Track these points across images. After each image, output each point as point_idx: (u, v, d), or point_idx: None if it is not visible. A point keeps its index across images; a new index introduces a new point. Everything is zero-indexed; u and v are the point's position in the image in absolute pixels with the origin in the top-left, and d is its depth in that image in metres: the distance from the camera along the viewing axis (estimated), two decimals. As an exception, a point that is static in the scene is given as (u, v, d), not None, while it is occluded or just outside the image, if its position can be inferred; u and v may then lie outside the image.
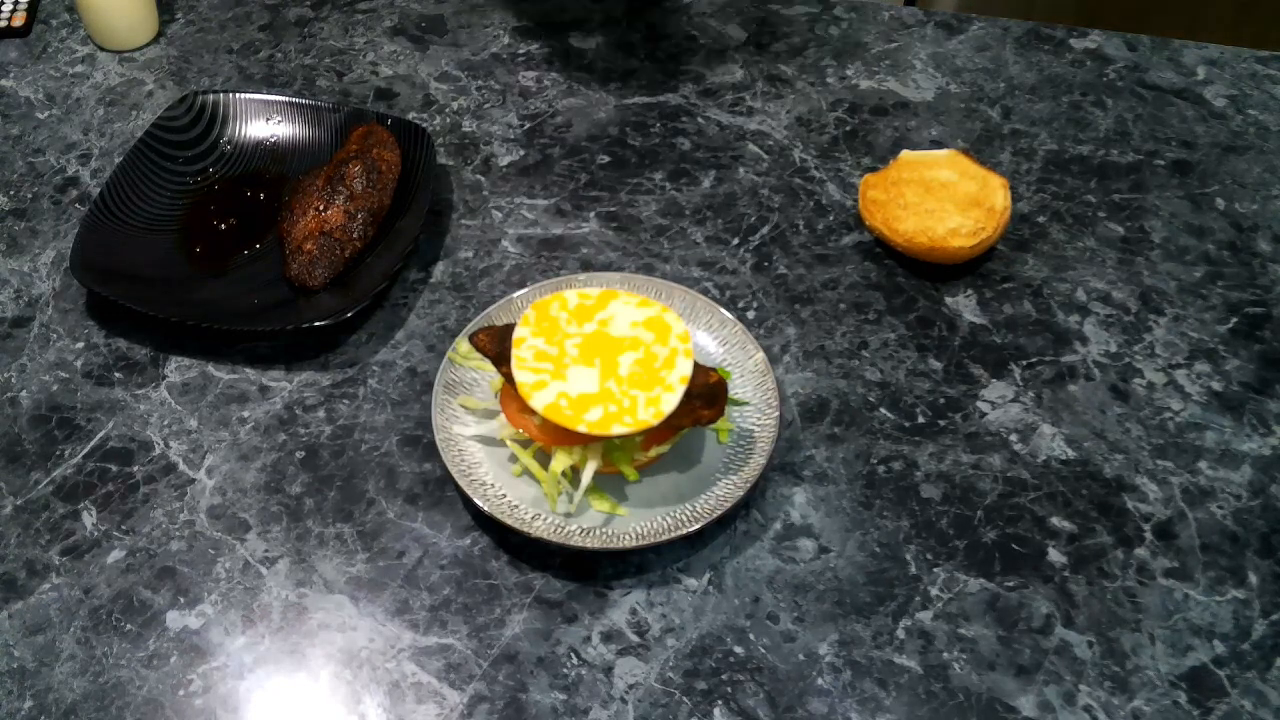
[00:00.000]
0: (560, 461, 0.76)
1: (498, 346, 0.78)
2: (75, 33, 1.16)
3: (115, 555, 0.77)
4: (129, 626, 0.73)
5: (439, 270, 0.93)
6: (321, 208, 0.91)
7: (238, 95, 1.02)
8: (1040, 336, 0.88)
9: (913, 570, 0.75)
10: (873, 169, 0.98)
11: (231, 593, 0.75)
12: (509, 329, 0.79)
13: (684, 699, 0.70)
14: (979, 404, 0.84)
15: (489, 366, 0.81)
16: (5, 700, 0.70)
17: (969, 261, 0.92)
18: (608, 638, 0.73)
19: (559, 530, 0.75)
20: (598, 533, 0.75)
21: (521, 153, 1.02)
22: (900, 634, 0.73)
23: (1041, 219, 0.97)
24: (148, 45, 1.14)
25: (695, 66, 1.10)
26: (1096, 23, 1.14)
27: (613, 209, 0.97)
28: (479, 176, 1.00)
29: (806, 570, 0.75)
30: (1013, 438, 0.82)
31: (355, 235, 0.91)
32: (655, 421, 0.73)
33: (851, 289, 0.92)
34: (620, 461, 0.77)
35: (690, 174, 1.00)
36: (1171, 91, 1.07)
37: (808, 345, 0.88)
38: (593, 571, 0.75)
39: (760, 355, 0.82)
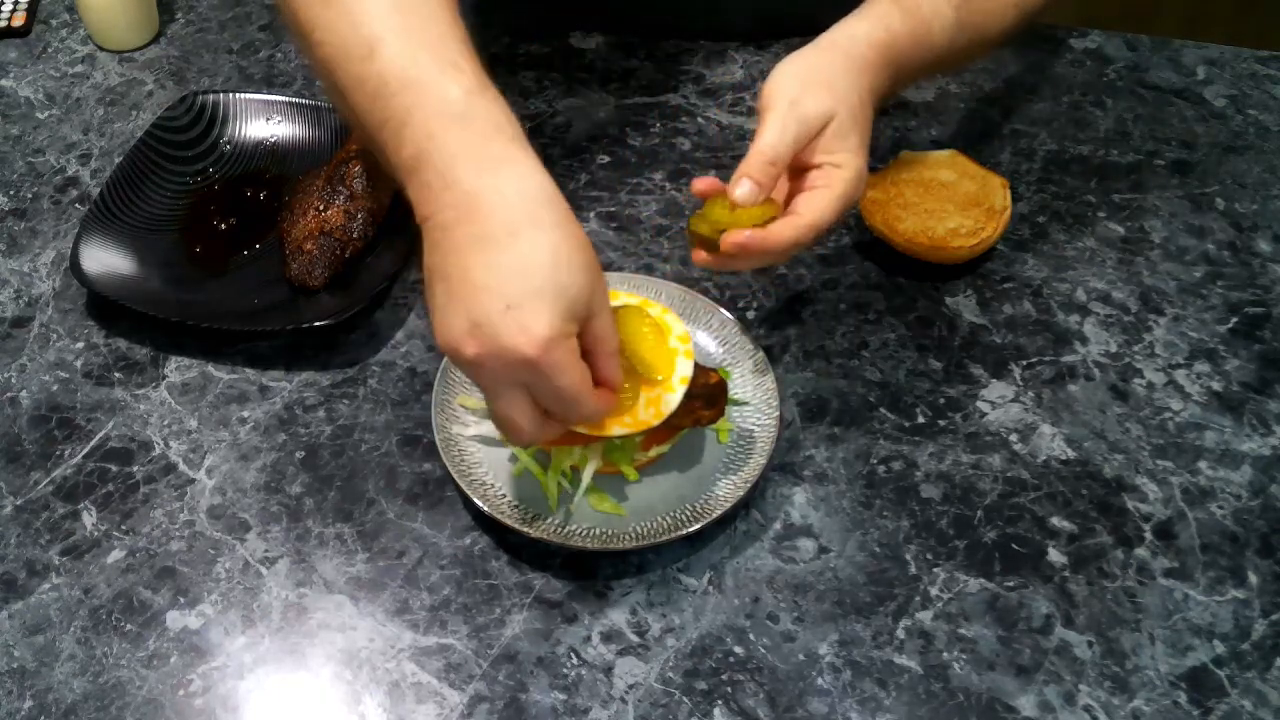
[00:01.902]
0: (560, 461, 0.76)
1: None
2: (75, 33, 1.16)
3: (115, 555, 0.77)
4: (129, 626, 0.73)
5: (439, 270, 0.93)
6: (321, 208, 0.91)
7: (238, 95, 1.02)
8: (1040, 336, 0.88)
9: (913, 570, 0.75)
10: (873, 169, 0.98)
11: (231, 593, 0.75)
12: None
13: (684, 699, 0.70)
14: (979, 404, 0.84)
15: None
16: (5, 700, 0.70)
17: (969, 261, 0.92)
18: (608, 638, 0.73)
19: (559, 530, 0.75)
20: (598, 533, 0.75)
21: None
22: (900, 634, 0.73)
23: (1041, 219, 0.97)
24: (148, 45, 1.14)
25: (695, 66, 1.10)
26: (1096, 23, 1.14)
27: (612, 209, 0.97)
28: (479, 176, 1.00)
29: (806, 570, 0.75)
30: (1013, 438, 0.82)
31: (355, 235, 0.91)
32: (655, 422, 0.73)
33: (851, 289, 0.92)
34: (620, 461, 0.77)
35: (690, 174, 0.99)
36: (1171, 91, 1.07)
37: (808, 345, 0.88)
38: (593, 571, 0.75)
39: (760, 355, 0.82)
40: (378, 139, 0.70)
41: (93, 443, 0.83)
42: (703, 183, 0.76)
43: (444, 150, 0.65)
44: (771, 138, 0.73)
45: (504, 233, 0.63)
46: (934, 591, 0.74)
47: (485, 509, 0.75)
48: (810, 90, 0.74)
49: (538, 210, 0.65)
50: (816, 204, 0.74)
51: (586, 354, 0.67)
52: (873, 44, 0.78)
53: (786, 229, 0.73)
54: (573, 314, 0.64)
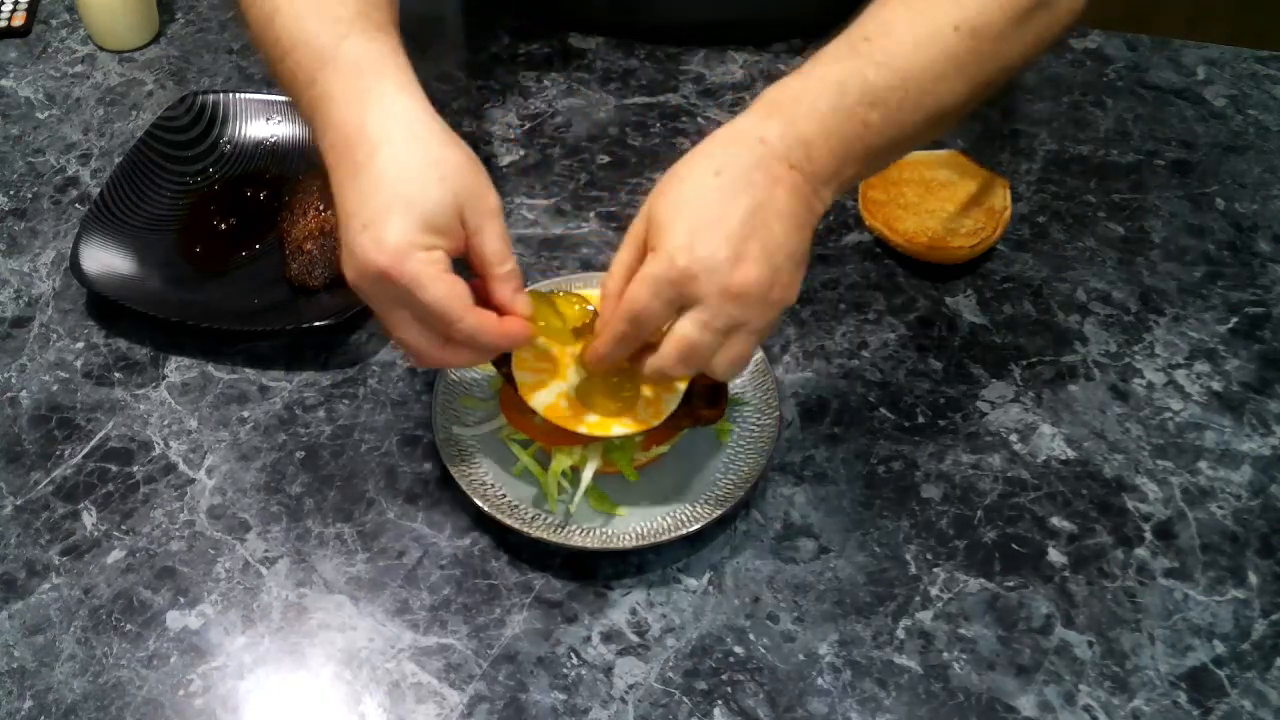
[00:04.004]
0: (560, 461, 0.76)
1: (498, 347, 0.78)
2: (75, 33, 1.16)
3: (115, 555, 0.77)
4: (129, 626, 0.73)
5: (439, 270, 0.93)
6: (322, 207, 0.91)
7: (238, 95, 1.02)
8: (1040, 336, 0.88)
9: (913, 570, 0.75)
10: (873, 169, 0.98)
11: (231, 593, 0.75)
12: (509, 329, 0.79)
13: (684, 699, 0.70)
14: (979, 404, 0.84)
15: (489, 366, 0.81)
16: (5, 700, 0.70)
17: (969, 261, 0.92)
18: (608, 638, 0.73)
19: (559, 530, 0.75)
20: (598, 533, 0.75)
21: (521, 153, 1.02)
22: (900, 634, 0.73)
23: (1041, 219, 0.97)
24: (148, 45, 1.14)
25: (695, 66, 1.10)
26: (1096, 23, 1.14)
27: (613, 209, 0.97)
28: (479, 176, 1.00)
29: (806, 570, 0.75)
30: (1013, 438, 0.82)
31: (355, 235, 0.91)
32: (655, 422, 0.73)
33: (851, 289, 0.92)
34: (620, 461, 0.76)
35: (690, 174, 0.99)
36: (1171, 91, 1.07)
37: (808, 345, 0.88)
38: (593, 571, 0.75)
39: (760, 355, 0.82)
40: (292, 99, 0.75)
41: (93, 443, 0.83)
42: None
43: (323, 95, 0.69)
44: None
45: (364, 158, 0.66)
46: (934, 591, 0.74)
47: (485, 509, 0.75)
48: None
49: (394, 132, 0.67)
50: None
51: (480, 278, 0.68)
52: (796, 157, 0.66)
53: (604, 322, 0.66)
54: (429, 225, 0.65)
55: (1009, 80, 0.76)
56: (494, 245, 0.68)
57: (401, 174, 0.66)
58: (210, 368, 0.87)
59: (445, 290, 0.65)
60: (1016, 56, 0.73)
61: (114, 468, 0.81)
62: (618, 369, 0.75)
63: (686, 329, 0.64)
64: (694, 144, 0.71)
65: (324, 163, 0.70)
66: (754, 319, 0.65)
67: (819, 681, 0.71)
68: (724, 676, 0.71)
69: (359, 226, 0.65)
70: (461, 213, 0.66)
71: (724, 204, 0.64)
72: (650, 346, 0.67)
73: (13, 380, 0.87)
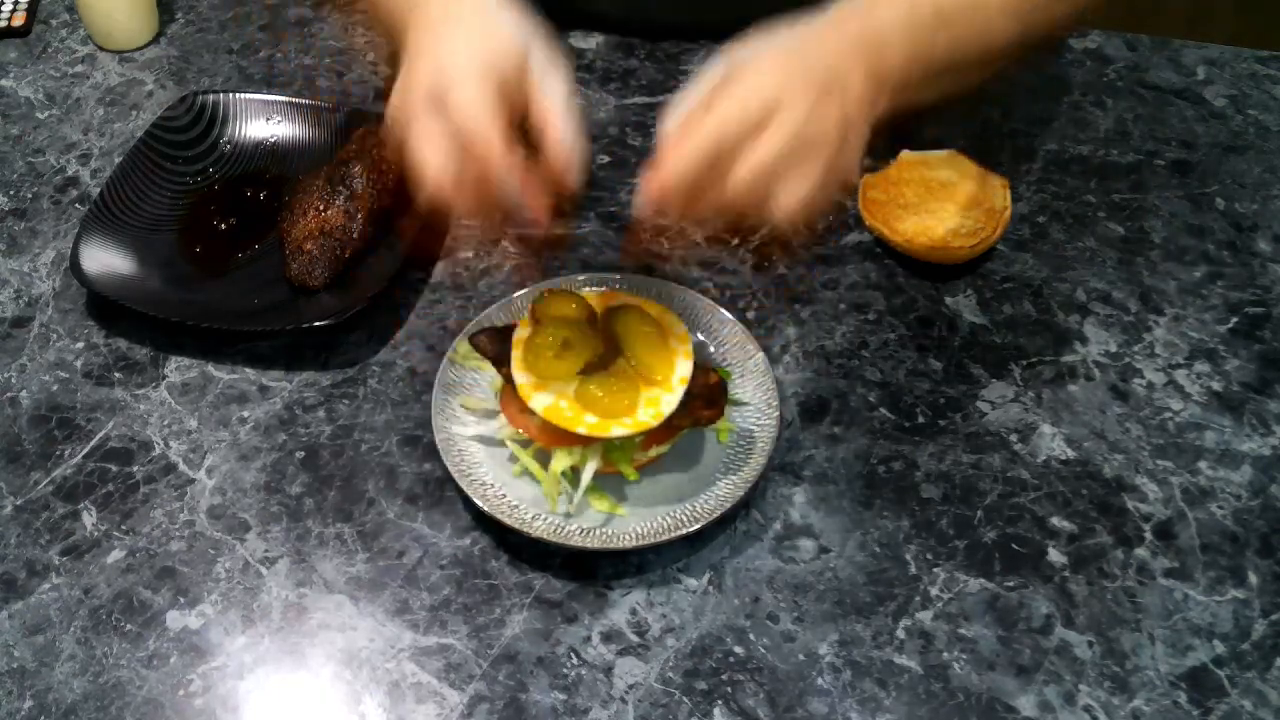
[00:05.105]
0: (560, 461, 0.76)
1: (497, 347, 0.78)
2: (75, 33, 1.16)
3: (115, 555, 0.77)
4: (129, 626, 0.73)
5: (439, 270, 0.93)
6: (322, 208, 0.91)
7: (238, 95, 1.02)
8: (1040, 336, 0.88)
9: (913, 570, 0.75)
10: (873, 169, 0.98)
11: (231, 593, 0.75)
12: (509, 330, 0.79)
13: (684, 699, 0.70)
14: (979, 404, 0.84)
15: (489, 367, 0.81)
16: (5, 700, 0.70)
17: (969, 261, 0.92)
18: (608, 638, 0.73)
19: (559, 530, 0.75)
20: (598, 533, 0.75)
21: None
22: (900, 634, 0.73)
23: (1041, 219, 0.97)
24: (148, 45, 1.14)
25: (695, 66, 1.10)
26: (1096, 23, 1.14)
27: (613, 209, 0.97)
28: (479, 176, 1.00)
29: (806, 570, 0.75)
30: (1013, 438, 0.82)
31: (355, 235, 0.91)
32: (655, 422, 0.73)
33: (851, 289, 0.92)
34: (620, 461, 0.77)
35: (690, 174, 0.99)
36: (1171, 91, 1.07)
37: (808, 345, 0.88)
38: (593, 571, 0.75)
39: (760, 355, 0.82)
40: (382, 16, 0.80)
41: (93, 443, 0.83)
42: None
43: None
44: None
45: (440, 16, 0.74)
46: (934, 591, 0.74)
47: (485, 509, 0.75)
48: None
49: (480, 4, 0.73)
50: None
51: (538, 130, 0.72)
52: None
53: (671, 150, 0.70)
54: (492, 66, 0.71)
55: (1043, 42, 0.84)
56: (558, 90, 0.72)
57: (476, 24, 0.72)
58: (210, 368, 0.87)
59: (484, 108, 0.69)
60: (1060, 11, 0.81)
61: (114, 468, 0.81)
62: (616, 370, 0.75)
63: (759, 146, 0.66)
64: (693, 144, 0.71)
65: (407, 33, 0.75)
66: (821, 153, 0.68)
67: (819, 681, 0.71)
68: (724, 676, 0.71)
69: (420, 57, 0.70)
70: (526, 59, 0.71)
71: (807, 56, 0.69)
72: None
73: (13, 380, 0.87)
